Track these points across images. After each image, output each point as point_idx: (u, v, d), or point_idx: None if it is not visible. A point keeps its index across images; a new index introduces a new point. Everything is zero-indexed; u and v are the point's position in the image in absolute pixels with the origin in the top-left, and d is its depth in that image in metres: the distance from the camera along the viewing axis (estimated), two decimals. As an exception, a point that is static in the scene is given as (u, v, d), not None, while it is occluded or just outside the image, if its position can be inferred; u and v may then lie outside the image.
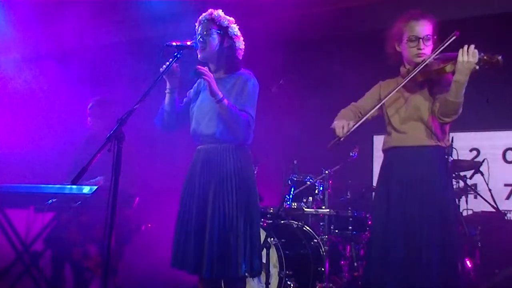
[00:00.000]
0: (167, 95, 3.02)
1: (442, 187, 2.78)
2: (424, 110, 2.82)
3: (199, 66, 2.86)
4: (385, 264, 2.76)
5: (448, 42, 2.70)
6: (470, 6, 5.08)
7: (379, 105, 2.84)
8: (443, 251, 2.68)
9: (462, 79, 2.60)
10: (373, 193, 4.92)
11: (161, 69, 2.80)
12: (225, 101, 2.83)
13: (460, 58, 2.59)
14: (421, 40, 2.79)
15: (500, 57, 2.56)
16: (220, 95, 2.82)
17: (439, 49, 2.74)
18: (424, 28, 2.81)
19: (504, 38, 4.71)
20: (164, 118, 3.05)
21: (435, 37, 2.83)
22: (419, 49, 2.80)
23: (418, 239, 2.70)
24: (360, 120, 2.79)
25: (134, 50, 5.63)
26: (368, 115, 2.81)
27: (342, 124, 2.77)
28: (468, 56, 2.57)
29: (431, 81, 2.83)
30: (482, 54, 2.59)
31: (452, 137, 2.93)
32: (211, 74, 2.87)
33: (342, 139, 2.75)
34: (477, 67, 2.58)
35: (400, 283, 2.69)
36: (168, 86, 3.00)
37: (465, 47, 2.60)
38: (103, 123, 4.26)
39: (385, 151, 2.99)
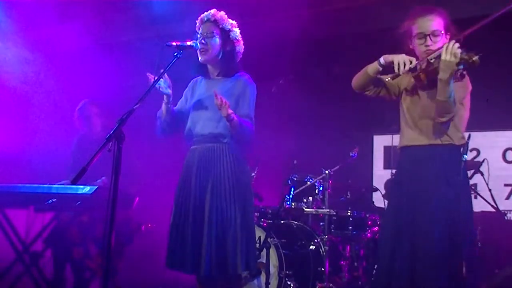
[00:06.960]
0: (165, 106, 3.00)
1: (453, 186, 2.66)
2: (433, 109, 2.70)
3: (215, 94, 2.76)
4: (392, 271, 2.67)
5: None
6: (466, 7, 5.06)
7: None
8: (449, 253, 2.60)
9: (444, 77, 2.54)
10: (379, 193, 4.96)
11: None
12: (235, 118, 2.80)
13: (442, 56, 2.52)
14: (428, 36, 2.71)
15: (476, 57, 2.47)
16: (232, 116, 2.78)
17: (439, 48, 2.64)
18: (431, 23, 2.72)
19: (501, 39, 4.71)
20: (164, 126, 3.06)
21: (448, 31, 2.74)
22: (427, 46, 2.72)
23: (425, 240, 2.62)
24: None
25: (135, 50, 5.62)
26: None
27: (407, 59, 2.65)
28: (449, 55, 2.50)
29: (435, 80, 2.70)
30: (463, 53, 2.49)
31: (469, 135, 2.82)
32: (225, 101, 2.77)
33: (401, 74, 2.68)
34: (460, 67, 2.52)
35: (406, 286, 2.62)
36: (165, 98, 2.98)
37: (449, 44, 2.52)
38: (101, 122, 4.27)
39: (400, 149, 2.91)
